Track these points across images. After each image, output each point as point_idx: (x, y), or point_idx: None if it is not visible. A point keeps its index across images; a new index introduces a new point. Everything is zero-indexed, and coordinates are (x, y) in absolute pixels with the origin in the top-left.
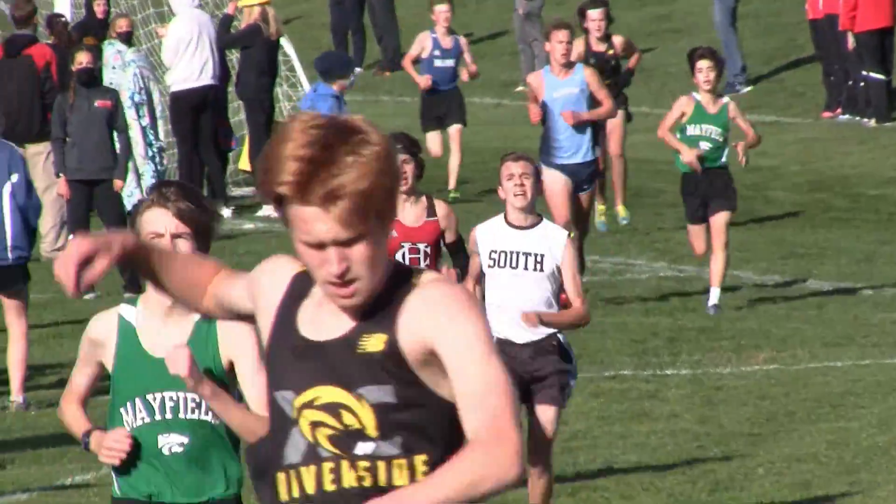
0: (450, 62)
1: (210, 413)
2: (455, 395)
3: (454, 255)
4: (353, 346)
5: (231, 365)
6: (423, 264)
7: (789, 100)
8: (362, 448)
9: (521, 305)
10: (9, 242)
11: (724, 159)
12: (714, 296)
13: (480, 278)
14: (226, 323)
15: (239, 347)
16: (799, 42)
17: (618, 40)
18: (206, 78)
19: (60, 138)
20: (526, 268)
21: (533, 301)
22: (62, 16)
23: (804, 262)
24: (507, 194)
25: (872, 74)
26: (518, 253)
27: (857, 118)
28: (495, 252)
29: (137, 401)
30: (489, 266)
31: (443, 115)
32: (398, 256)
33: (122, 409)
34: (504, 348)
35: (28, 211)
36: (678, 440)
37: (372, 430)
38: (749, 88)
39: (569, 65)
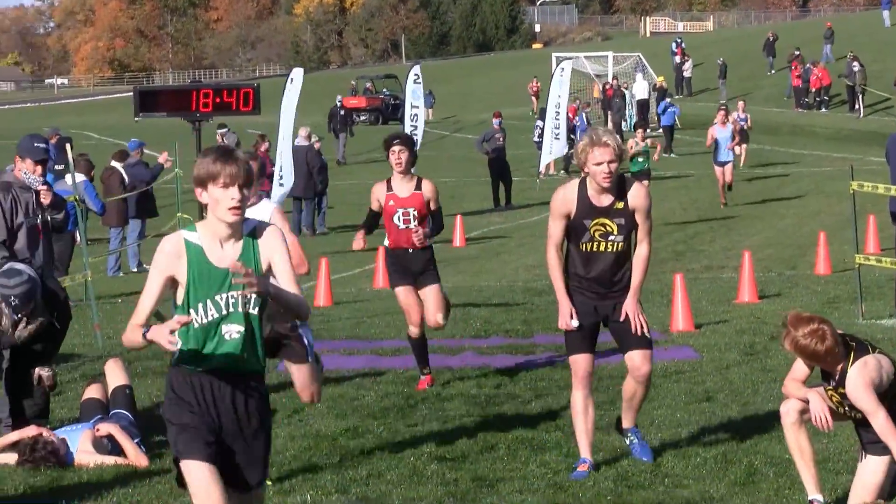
0: None
1: (256, 308)
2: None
3: (433, 216)
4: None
5: (269, 265)
6: (412, 224)
7: None
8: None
9: None
10: None
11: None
12: None
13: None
14: (264, 237)
15: (274, 251)
16: None
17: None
18: None
19: None
20: None
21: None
22: None
23: None
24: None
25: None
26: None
27: None
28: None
29: (207, 301)
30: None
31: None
32: (395, 217)
33: (191, 310)
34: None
35: None
36: None
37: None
38: None
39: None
